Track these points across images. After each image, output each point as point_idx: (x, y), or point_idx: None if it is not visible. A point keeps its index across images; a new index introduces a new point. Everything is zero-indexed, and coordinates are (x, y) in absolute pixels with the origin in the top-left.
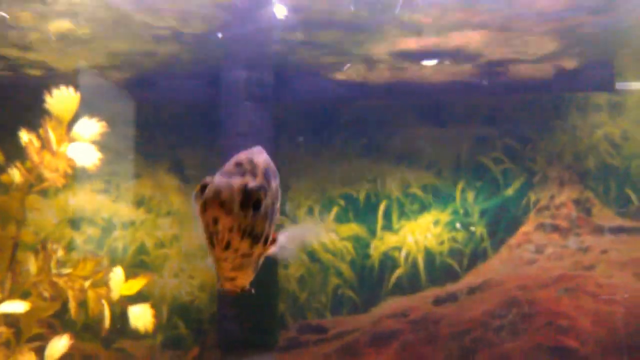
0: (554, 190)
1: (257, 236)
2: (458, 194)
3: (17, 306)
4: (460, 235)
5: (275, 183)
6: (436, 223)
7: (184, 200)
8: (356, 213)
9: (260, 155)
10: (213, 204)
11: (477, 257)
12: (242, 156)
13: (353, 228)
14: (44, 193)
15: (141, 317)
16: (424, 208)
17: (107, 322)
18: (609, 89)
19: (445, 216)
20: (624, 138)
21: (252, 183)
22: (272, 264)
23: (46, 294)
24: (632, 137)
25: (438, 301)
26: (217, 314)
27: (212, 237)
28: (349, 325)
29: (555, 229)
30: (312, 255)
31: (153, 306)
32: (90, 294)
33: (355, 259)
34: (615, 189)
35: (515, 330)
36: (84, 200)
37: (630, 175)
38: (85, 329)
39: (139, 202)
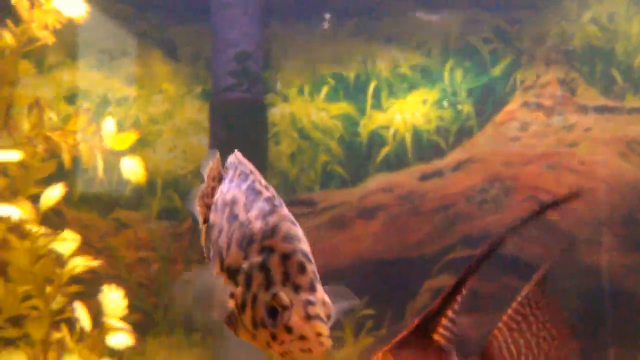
0: (540, 70)
1: None
2: (446, 74)
3: (12, 155)
4: (447, 114)
5: None
6: (424, 102)
7: (175, 78)
8: (346, 92)
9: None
10: (318, 350)
11: (463, 134)
12: (286, 247)
13: (343, 107)
14: (38, 67)
15: (133, 168)
16: (412, 87)
17: (100, 172)
18: None
19: (433, 95)
20: (610, 20)
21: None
22: (262, 139)
23: (40, 149)
24: (617, 19)
25: (424, 177)
26: None
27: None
28: (337, 199)
29: (540, 107)
30: (302, 133)
31: (147, 180)
32: (83, 146)
33: (344, 136)
34: (600, 69)
35: (497, 204)
36: (78, 76)
37: (616, 56)
38: (82, 201)
39: (131, 79)
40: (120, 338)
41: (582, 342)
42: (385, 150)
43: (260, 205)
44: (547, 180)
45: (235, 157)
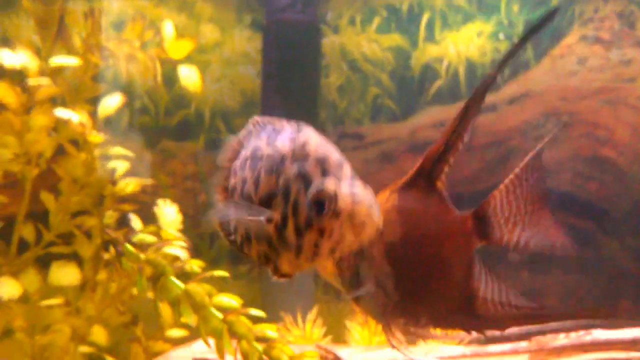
0: (598, 3)
1: None
2: (503, 5)
3: (71, 60)
4: (503, 47)
5: None
6: (479, 34)
7: (227, 6)
8: (398, 24)
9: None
10: (370, 226)
11: (519, 68)
12: (320, 151)
13: (394, 39)
14: None
15: (190, 77)
16: (467, 19)
17: (159, 80)
18: None
19: (489, 27)
20: None
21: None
22: (315, 64)
23: (96, 57)
24: None
25: None
26: (261, 101)
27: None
28: (387, 133)
29: (598, 41)
30: (353, 65)
31: (195, 110)
32: (140, 56)
33: (396, 70)
34: None
35: (553, 140)
36: (125, 3)
37: None
38: (128, 131)
39: (181, 7)
40: (178, 250)
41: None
42: (437, 84)
43: (284, 135)
44: (605, 116)
45: (254, 120)
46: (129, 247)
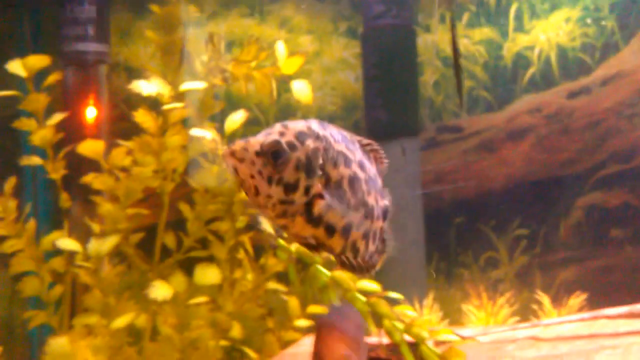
0: None
1: (289, 184)
2: None
3: (198, 84)
4: (592, 31)
5: (315, 144)
6: (567, 20)
7: (322, 17)
8: (487, 17)
9: (299, 123)
10: (228, 155)
11: (609, 50)
12: (277, 124)
13: (485, 32)
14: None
15: (303, 91)
16: (554, 7)
17: (274, 95)
18: None
19: (576, 13)
20: None
21: (272, 137)
22: (412, 65)
23: (218, 79)
24: None
25: (571, 95)
26: (364, 103)
27: (241, 188)
28: (484, 123)
29: None
30: (446, 61)
31: (302, 117)
32: (257, 74)
33: (489, 61)
34: None
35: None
36: (231, 25)
37: None
38: None
39: (281, 24)
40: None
41: None
42: (530, 71)
43: None
44: None
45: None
46: (281, 241)
